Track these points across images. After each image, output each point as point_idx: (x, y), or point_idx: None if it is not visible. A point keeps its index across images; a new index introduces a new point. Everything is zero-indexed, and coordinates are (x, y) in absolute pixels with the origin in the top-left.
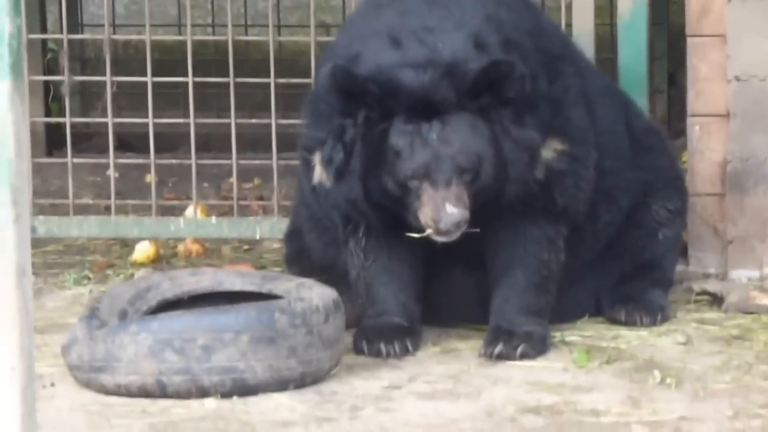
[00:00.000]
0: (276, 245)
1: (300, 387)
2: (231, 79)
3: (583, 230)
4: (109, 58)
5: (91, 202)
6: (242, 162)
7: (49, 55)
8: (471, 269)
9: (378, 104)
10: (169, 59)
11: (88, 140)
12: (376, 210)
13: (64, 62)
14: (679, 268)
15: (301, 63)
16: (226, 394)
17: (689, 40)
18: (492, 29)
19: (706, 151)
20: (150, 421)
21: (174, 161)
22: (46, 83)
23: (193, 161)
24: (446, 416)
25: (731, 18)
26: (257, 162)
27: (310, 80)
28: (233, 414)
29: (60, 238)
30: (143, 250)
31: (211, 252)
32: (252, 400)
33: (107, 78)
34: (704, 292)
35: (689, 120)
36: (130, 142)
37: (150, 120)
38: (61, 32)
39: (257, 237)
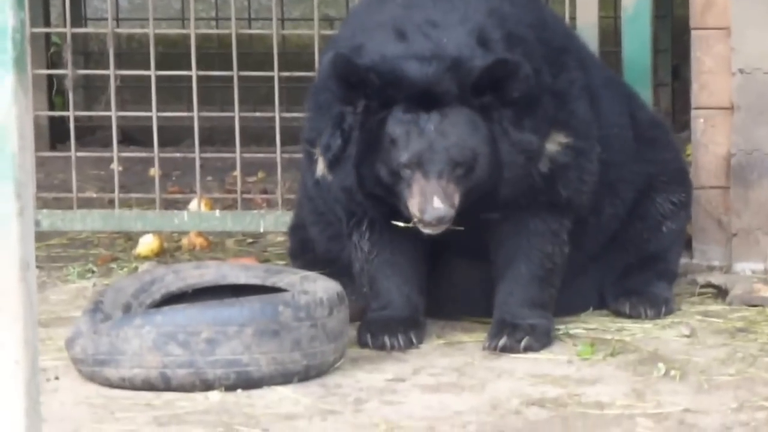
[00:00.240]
0: (280, 238)
1: (304, 380)
2: (234, 73)
3: (587, 223)
4: (113, 52)
5: (94, 195)
6: (246, 155)
7: (52, 49)
8: (475, 262)
9: (378, 94)
10: (172, 53)
11: (92, 134)
12: (370, 199)
13: (68, 56)
14: (684, 260)
15: (305, 56)
16: (230, 387)
17: (693, 32)
18: (495, 23)
19: (710, 144)
20: (154, 415)
21: (178, 155)
22: (50, 77)
23: (196, 155)
24: (450, 409)
25: (735, 11)
26: (261, 155)
27: (314, 73)
28: (237, 407)
29: (64, 231)
30: (147, 244)
31: (214, 245)
32: (256, 393)
33: (111, 72)
34: (708, 285)
35: (693, 113)
36: (133, 136)
37: (154, 113)
38: (65, 26)
39: (261, 230)
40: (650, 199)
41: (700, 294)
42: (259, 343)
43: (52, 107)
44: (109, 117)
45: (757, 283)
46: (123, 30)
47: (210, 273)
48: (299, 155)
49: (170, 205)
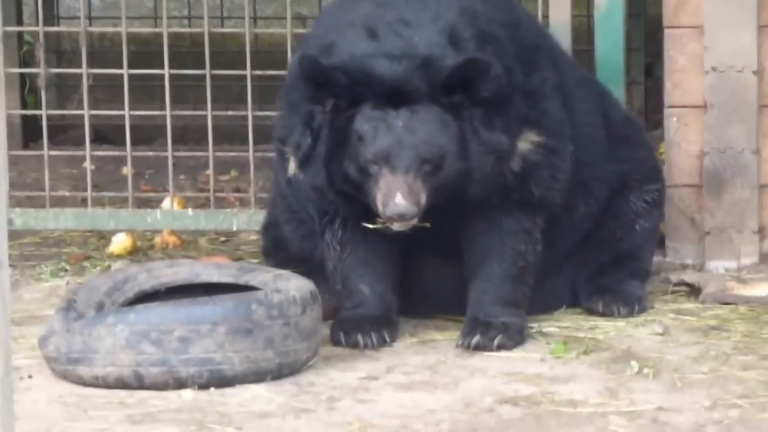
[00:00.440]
0: (253, 237)
1: (277, 378)
2: (207, 72)
3: (561, 221)
4: (85, 51)
5: (67, 194)
6: (219, 154)
7: (25, 48)
8: (448, 260)
9: (346, 92)
10: (145, 51)
11: (64, 133)
12: (340, 197)
13: (41, 55)
14: (657, 259)
15: (278, 55)
16: (204, 386)
17: (666, 31)
18: (467, 22)
19: (683, 142)
20: (127, 413)
21: (150, 153)
22: (22, 76)
23: (169, 153)
24: (423, 407)
25: (708, 9)
26: (234, 154)
27: (286, 72)
28: (210, 405)
29: (37, 230)
30: (120, 242)
31: (188, 244)
32: (229, 392)
33: (83, 70)
34: (682, 283)
35: (666, 111)
36: (106, 135)
37: (126, 112)
38: (37, 24)
39: (234, 229)
40: (623, 197)
41: (673, 292)
42: (232, 341)
43: (24, 106)
44: (82, 116)
45: (730, 281)
46: (95, 29)
47: (183, 271)
48: (272, 154)
49: (143, 203)
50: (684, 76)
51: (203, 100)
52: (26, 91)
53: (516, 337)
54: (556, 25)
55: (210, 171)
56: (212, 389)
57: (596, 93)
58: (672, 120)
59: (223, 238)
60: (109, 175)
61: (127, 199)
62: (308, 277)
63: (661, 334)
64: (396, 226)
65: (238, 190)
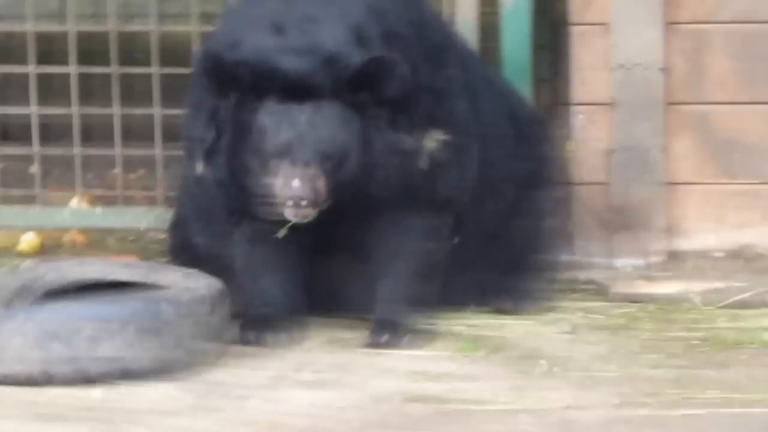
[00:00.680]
0: (161, 236)
1: (186, 377)
2: (114, 70)
3: (468, 220)
4: None
5: None
6: (127, 152)
7: None
8: (357, 259)
9: (250, 86)
10: (52, 49)
11: None
12: (244, 192)
13: None
14: (565, 257)
15: (185, 53)
16: (113, 384)
17: (573, 28)
18: (374, 20)
19: (589, 140)
20: (37, 412)
21: (58, 152)
22: None
23: (77, 152)
24: (333, 406)
25: (615, 6)
26: (142, 152)
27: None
28: (120, 404)
29: None
30: (28, 241)
31: (96, 243)
32: (139, 390)
33: None
34: (590, 281)
35: (573, 109)
36: (13, 133)
37: (33, 110)
38: None
39: (142, 228)
40: (530, 196)
41: (581, 290)
42: (141, 340)
43: None
44: None
45: (638, 279)
46: (1, 27)
47: (92, 270)
48: (180, 152)
49: (51, 202)
50: (591, 73)
51: (110, 98)
52: None
53: (425, 336)
54: (463, 22)
55: (118, 169)
56: (122, 388)
57: (503, 91)
58: (579, 117)
59: (131, 237)
60: (16, 173)
61: (35, 197)
62: (217, 276)
63: (569, 333)
64: (291, 213)
65: (146, 189)
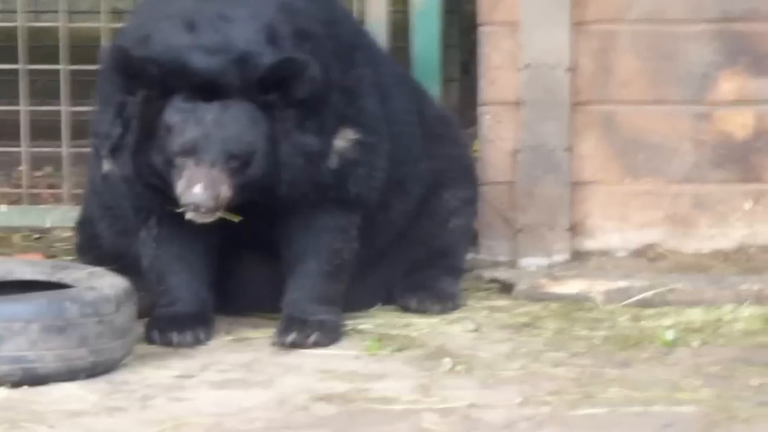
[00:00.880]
0: (67, 234)
1: (91, 376)
2: (21, 66)
3: (376, 219)
4: None
5: None
6: (33, 150)
7: None
8: (265, 257)
9: (158, 83)
10: None
11: None
12: (149, 189)
13: None
14: (470, 256)
15: (93, 49)
16: (17, 384)
17: (481, 28)
18: (285, 19)
19: (497, 139)
20: None
21: None
22: None
23: None
24: (238, 405)
25: (523, 6)
26: (48, 150)
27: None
28: (23, 404)
29: None
30: None
31: (1, 240)
32: (42, 390)
33: None
34: (494, 280)
35: (480, 108)
36: None
37: None
38: None
39: (48, 226)
40: (438, 195)
41: (486, 289)
42: (45, 339)
43: None
44: None
45: (541, 278)
46: None
47: None
48: (87, 150)
49: None
50: (499, 73)
51: (17, 95)
52: None
53: (331, 335)
54: (373, 21)
55: (24, 167)
56: (25, 387)
57: (412, 90)
58: (486, 117)
59: (36, 235)
60: None
61: None
62: (123, 275)
63: (473, 331)
64: (193, 216)
65: (52, 187)
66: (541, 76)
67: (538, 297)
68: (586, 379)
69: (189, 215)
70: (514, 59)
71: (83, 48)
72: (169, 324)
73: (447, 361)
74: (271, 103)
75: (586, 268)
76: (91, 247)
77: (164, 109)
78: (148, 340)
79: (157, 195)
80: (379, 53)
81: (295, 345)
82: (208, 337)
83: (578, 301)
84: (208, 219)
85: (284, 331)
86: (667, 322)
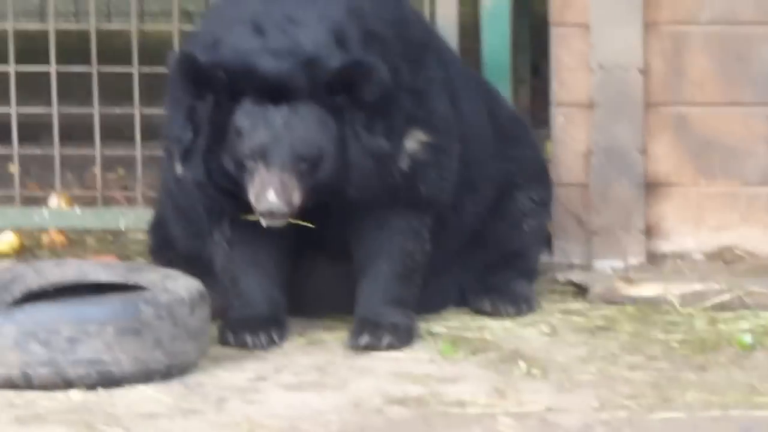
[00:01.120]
0: (141, 236)
1: (166, 379)
2: (94, 68)
3: (448, 221)
4: None
5: None
6: (106, 152)
7: None
8: (337, 260)
9: (227, 88)
10: (31, 48)
11: None
12: (221, 193)
13: None
14: (544, 258)
15: (165, 52)
16: (92, 386)
17: (552, 29)
18: (354, 21)
19: (569, 141)
20: (16, 414)
21: (37, 151)
22: None
23: (56, 151)
24: (312, 408)
25: (594, 7)
26: (121, 152)
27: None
28: (99, 406)
29: None
30: (6, 241)
31: (75, 243)
32: (118, 392)
33: None
34: (569, 283)
35: (553, 110)
36: None
37: (13, 109)
38: None
39: (122, 228)
40: (511, 196)
41: (560, 292)
42: (121, 341)
43: None
44: None
45: (617, 281)
46: None
47: (71, 271)
48: (160, 151)
49: (30, 201)
50: (570, 74)
51: (90, 97)
52: None
53: (405, 337)
54: (443, 23)
55: (97, 169)
56: (101, 390)
57: (483, 91)
58: (558, 119)
59: (111, 237)
60: None
61: (14, 197)
62: (197, 277)
63: (548, 334)
64: (267, 222)
65: (125, 189)
66: (613, 77)
67: (613, 300)
68: (664, 383)
69: (261, 220)
70: (585, 60)
71: (155, 50)
72: (242, 326)
73: (522, 365)
74: (340, 106)
75: (662, 271)
76: (165, 249)
77: (234, 112)
78: (222, 342)
79: (229, 198)
80: (450, 54)
81: (368, 347)
82: (282, 339)
83: (654, 304)
84: (281, 224)
85: (357, 333)
86: (744, 325)
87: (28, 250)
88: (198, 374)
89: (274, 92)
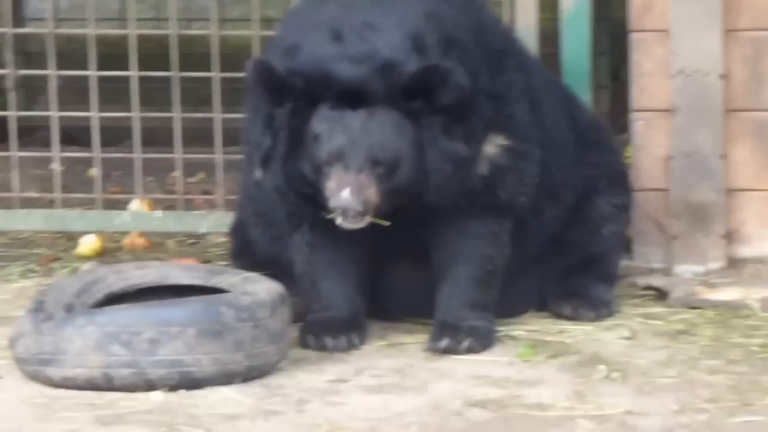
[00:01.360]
0: (221, 239)
1: (247, 380)
2: (175, 73)
3: (528, 225)
4: (53, 52)
5: (36, 195)
6: (187, 156)
7: None
8: (417, 263)
9: (304, 94)
10: (112, 53)
11: (32, 134)
12: (301, 198)
13: (8, 56)
14: (624, 263)
15: (245, 57)
16: (173, 388)
17: (632, 35)
18: (433, 27)
19: (649, 146)
20: (97, 414)
21: (118, 155)
22: None
23: (137, 155)
24: (392, 410)
25: (674, 13)
26: (202, 156)
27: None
28: (180, 407)
29: (5, 231)
30: (88, 244)
31: (156, 246)
32: (199, 394)
33: (51, 72)
34: (649, 287)
35: (633, 115)
36: (74, 136)
37: (94, 114)
38: (5, 26)
39: (202, 231)
40: (591, 201)
41: (640, 296)
42: (202, 343)
43: None
44: (49, 117)
45: (697, 285)
46: (63, 30)
47: (152, 273)
48: (240, 156)
49: (111, 205)
50: (650, 79)
51: (170, 102)
52: None
53: (484, 341)
54: (523, 28)
55: (178, 173)
56: (182, 391)
57: (563, 96)
58: (638, 124)
59: (191, 240)
60: (77, 176)
61: (96, 200)
62: (277, 280)
63: (628, 338)
64: (342, 221)
65: (206, 192)
66: (693, 82)
67: (693, 304)
68: (744, 387)
69: (338, 220)
70: (665, 66)
71: (234, 55)
72: (323, 329)
73: (602, 368)
74: (417, 111)
75: (742, 276)
76: (245, 253)
77: (311, 118)
78: (303, 344)
79: (308, 203)
80: (529, 60)
81: (448, 351)
82: (362, 342)
83: (734, 308)
84: (357, 224)
85: (437, 336)
86: None
87: (109, 253)
88: (278, 376)
89: (351, 97)
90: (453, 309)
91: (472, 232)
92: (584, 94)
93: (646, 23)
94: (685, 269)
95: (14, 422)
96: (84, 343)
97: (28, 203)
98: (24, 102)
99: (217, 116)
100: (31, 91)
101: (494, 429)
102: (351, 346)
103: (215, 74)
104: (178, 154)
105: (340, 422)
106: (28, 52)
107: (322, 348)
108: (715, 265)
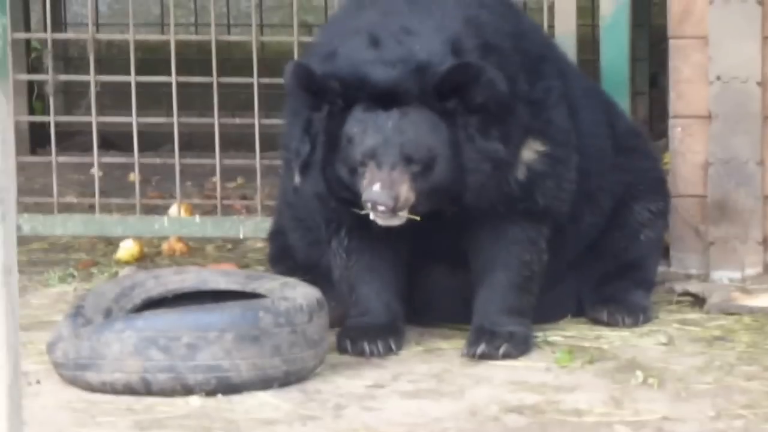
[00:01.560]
0: (259, 245)
1: (284, 385)
2: (214, 79)
3: (566, 231)
4: (93, 58)
5: (75, 200)
6: (226, 161)
7: (33, 54)
8: (454, 269)
9: (340, 97)
10: (152, 58)
11: (71, 139)
12: (341, 203)
13: (48, 61)
14: (661, 269)
15: (284, 63)
16: (211, 393)
17: (671, 41)
18: (471, 33)
19: (687, 152)
20: (135, 419)
21: (157, 160)
22: (30, 82)
23: (176, 160)
24: (430, 415)
25: (713, 20)
26: (240, 161)
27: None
28: (218, 412)
29: (44, 236)
30: (127, 249)
31: (194, 251)
32: (236, 399)
33: (91, 77)
34: (686, 293)
35: (671, 121)
36: (113, 141)
37: (134, 119)
38: (45, 31)
39: (241, 236)
40: (628, 207)
41: (677, 302)
42: (240, 348)
43: (32, 112)
44: (89, 122)
45: (734, 291)
46: (103, 36)
47: (190, 278)
48: (278, 161)
49: (150, 210)
50: (688, 86)
51: (210, 108)
52: (34, 97)
53: (521, 346)
54: (562, 35)
55: (217, 178)
56: (219, 396)
57: (602, 103)
58: (677, 130)
59: (229, 246)
60: (116, 181)
61: (135, 205)
62: (315, 285)
63: (665, 344)
64: (374, 216)
65: (244, 198)
66: (732, 89)
67: (730, 310)
68: None
69: (371, 215)
70: (704, 72)
71: (274, 61)
72: (360, 334)
73: (639, 374)
74: (452, 110)
75: None
76: (284, 258)
77: (345, 120)
78: (340, 349)
79: (347, 208)
80: (568, 66)
81: (484, 356)
82: (399, 347)
83: None
84: (389, 221)
85: (474, 342)
86: None
87: (148, 257)
88: (316, 381)
89: (384, 98)
90: (490, 314)
91: (510, 237)
92: (622, 100)
93: (684, 30)
94: (722, 275)
95: (52, 427)
96: (122, 347)
97: (67, 208)
98: (64, 107)
99: (256, 122)
100: (71, 97)
101: None
102: (388, 352)
103: (254, 80)
104: (217, 160)
105: (378, 427)
106: (69, 58)
107: (360, 353)
108: (752, 271)
